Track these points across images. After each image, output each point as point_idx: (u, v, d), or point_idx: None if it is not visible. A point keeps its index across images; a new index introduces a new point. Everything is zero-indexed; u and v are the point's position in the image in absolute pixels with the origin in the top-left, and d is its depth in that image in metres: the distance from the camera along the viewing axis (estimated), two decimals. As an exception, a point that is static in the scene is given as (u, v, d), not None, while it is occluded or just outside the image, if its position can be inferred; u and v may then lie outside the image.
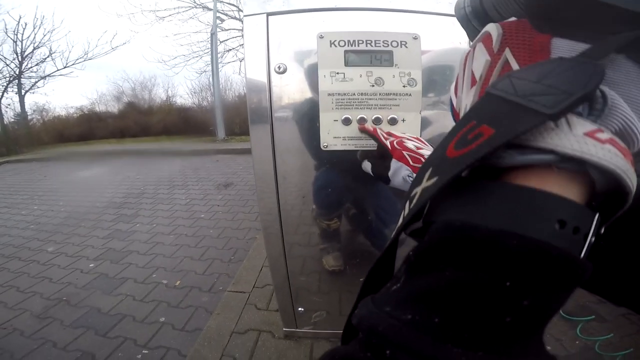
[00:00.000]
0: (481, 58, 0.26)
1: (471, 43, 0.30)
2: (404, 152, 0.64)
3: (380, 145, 0.72)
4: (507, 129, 0.17)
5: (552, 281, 0.16)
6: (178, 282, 1.97)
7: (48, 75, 13.20)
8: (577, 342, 1.28)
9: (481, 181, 0.19)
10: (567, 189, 0.18)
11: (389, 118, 0.86)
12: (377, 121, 0.86)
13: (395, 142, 0.68)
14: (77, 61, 13.25)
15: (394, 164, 0.66)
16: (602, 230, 0.19)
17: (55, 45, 14.26)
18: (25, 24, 12.19)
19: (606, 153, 0.17)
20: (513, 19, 0.26)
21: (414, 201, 0.21)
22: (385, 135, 0.73)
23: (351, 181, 0.97)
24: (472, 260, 0.17)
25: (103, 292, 1.92)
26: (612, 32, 0.20)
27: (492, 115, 0.19)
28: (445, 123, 0.90)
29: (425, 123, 0.89)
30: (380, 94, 0.85)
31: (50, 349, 1.46)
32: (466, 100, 0.28)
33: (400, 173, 0.64)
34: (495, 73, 0.25)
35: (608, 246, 0.23)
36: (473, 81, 0.27)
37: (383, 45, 0.83)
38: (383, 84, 0.84)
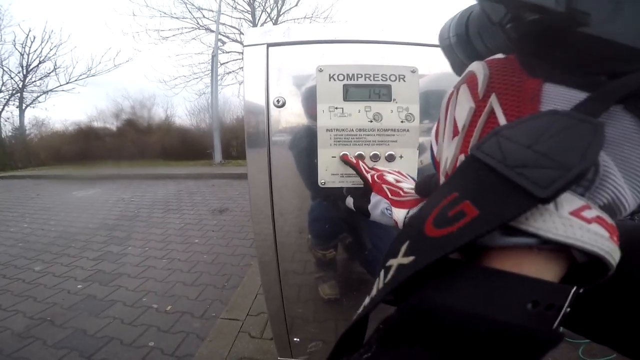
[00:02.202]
0: (465, 104, 0.24)
1: (454, 79, 0.28)
2: (383, 185, 0.65)
3: (363, 179, 0.73)
4: (493, 214, 0.16)
5: (518, 357, 0.16)
6: (169, 306, 1.92)
7: (50, 90, 13.28)
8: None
9: (455, 262, 0.19)
10: (544, 269, 0.17)
11: (386, 155, 0.85)
12: (375, 158, 0.86)
13: (375, 176, 0.68)
14: (80, 77, 13.40)
15: (373, 197, 0.66)
16: (581, 290, 0.18)
17: (60, 60, 14.56)
18: (34, 37, 12.44)
19: (592, 236, 0.16)
20: (500, 56, 0.24)
21: (389, 276, 0.20)
22: (367, 168, 0.74)
23: (348, 212, 0.95)
24: (439, 341, 0.17)
25: (90, 313, 1.86)
26: (614, 73, 0.18)
27: (477, 189, 0.18)
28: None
29: (419, 150, 0.88)
30: (378, 130, 0.84)
31: (31, 370, 1.40)
32: (447, 151, 0.26)
33: (379, 206, 0.64)
34: (480, 124, 0.23)
35: (591, 294, 0.22)
36: (455, 131, 0.25)
37: (382, 79, 0.84)
38: (381, 120, 0.84)
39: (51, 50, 13.00)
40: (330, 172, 0.87)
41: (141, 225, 3.71)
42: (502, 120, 0.21)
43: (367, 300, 0.22)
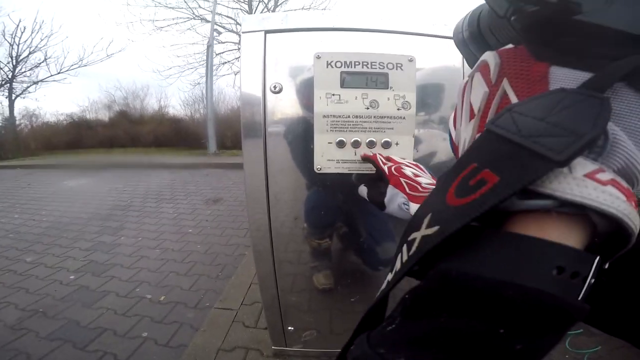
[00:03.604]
0: (479, 89, 0.26)
1: (469, 70, 0.30)
2: (401, 178, 0.63)
3: (378, 169, 0.72)
4: (514, 178, 0.17)
5: (546, 326, 0.16)
6: (163, 297, 1.92)
7: (41, 81, 13.00)
8: (566, 355, 1.31)
9: (479, 229, 0.19)
10: (567, 235, 0.18)
11: (382, 141, 0.85)
12: (371, 144, 0.86)
13: (393, 168, 0.67)
14: (72, 67, 13.14)
15: (390, 190, 0.65)
16: (606, 266, 0.19)
17: (51, 51, 14.20)
18: (24, 28, 12.12)
19: (607, 197, 0.16)
20: (510, 46, 0.26)
21: (413, 248, 0.20)
22: (384, 160, 0.73)
23: (343, 201, 0.96)
24: (467, 309, 0.17)
25: (83, 304, 1.85)
26: (613, 57, 0.19)
27: (495, 158, 0.19)
28: (433, 143, 0.90)
29: (415, 142, 0.89)
30: (374, 117, 0.85)
31: (23, 361, 1.39)
32: (465, 134, 0.27)
33: (395, 200, 0.63)
34: (494, 106, 0.24)
35: (609, 282, 0.23)
36: (471, 114, 0.26)
37: (379, 67, 0.84)
38: (378, 107, 0.85)
39: (42, 40, 12.69)
40: (326, 157, 0.88)
41: (134, 215, 3.67)
42: (514, 100, 0.23)
43: (389, 276, 0.23)
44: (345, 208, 0.99)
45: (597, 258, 0.17)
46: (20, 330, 1.61)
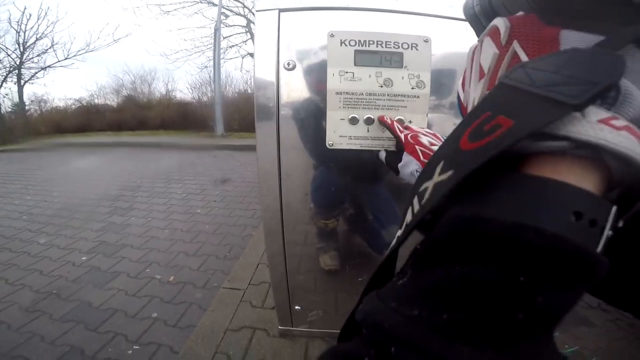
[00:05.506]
0: (489, 51, 0.25)
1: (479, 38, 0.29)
2: (416, 146, 0.65)
3: (396, 137, 0.73)
4: (529, 121, 0.16)
5: (567, 277, 0.15)
6: (172, 277, 1.94)
7: (48, 66, 13.03)
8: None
9: (493, 171, 0.18)
10: (583, 179, 0.17)
11: (396, 119, 0.85)
12: None
13: (409, 136, 0.69)
14: (79, 52, 13.13)
15: (405, 157, 0.67)
16: (620, 224, 0.18)
17: (57, 37, 14.08)
18: (30, 15, 12.25)
19: (622, 139, 0.16)
20: (521, 13, 0.25)
21: (426, 196, 0.19)
22: (401, 128, 0.74)
23: (350, 181, 0.96)
24: (483, 255, 0.16)
25: (94, 286, 1.89)
26: (624, 23, 0.19)
27: (509, 105, 0.18)
28: (445, 127, 0.90)
29: (428, 124, 0.89)
30: (388, 95, 0.84)
31: (38, 343, 1.43)
32: (474, 93, 0.27)
33: (409, 167, 0.66)
34: (504, 65, 0.24)
35: (616, 251, 0.21)
36: (481, 74, 0.26)
37: (394, 47, 0.83)
38: (392, 85, 0.84)
39: (48, 27, 12.70)
40: (338, 134, 0.88)
41: (144, 196, 3.72)
42: (524, 59, 0.22)
43: (399, 232, 0.22)
44: (351, 187, 0.98)
45: (615, 207, 0.17)
46: (34, 312, 1.65)
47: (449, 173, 0.18)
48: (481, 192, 0.18)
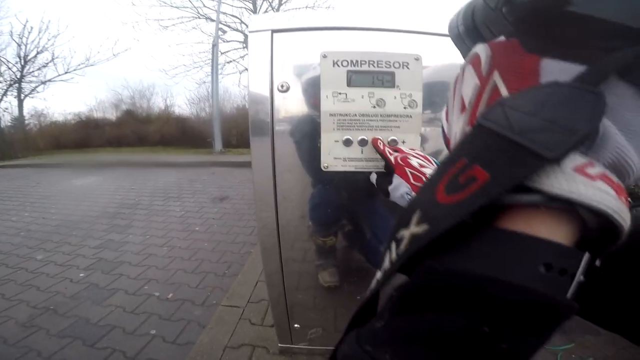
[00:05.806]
0: (470, 82, 0.25)
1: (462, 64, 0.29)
2: (406, 168, 0.65)
3: (385, 160, 0.74)
4: (504, 176, 0.16)
5: (532, 325, 0.16)
6: (170, 294, 1.94)
7: (49, 80, 13.12)
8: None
9: (467, 225, 0.18)
10: (555, 230, 0.17)
11: (389, 140, 0.86)
12: None
13: (399, 158, 0.69)
14: (79, 67, 13.23)
15: (396, 179, 0.67)
16: (598, 262, 0.19)
17: (58, 51, 14.39)
18: (31, 28, 12.26)
19: (596, 192, 0.16)
20: (502, 38, 0.25)
21: (402, 247, 0.20)
22: (390, 151, 0.74)
23: (348, 199, 0.96)
24: (452, 305, 0.17)
25: (92, 302, 1.88)
26: (605, 49, 0.18)
27: (485, 154, 0.18)
28: (439, 141, 0.90)
29: (421, 140, 0.90)
30: (381, 116, 0.85)
31: (34, 358, 1.42)
32: (456, 127, 0.27)
33: (399, 189, 0.66)
34: (484, 99, 0.23)
35: (606, 275, 0.23)
36: (462, 107, 0.26)
37: (385, 66, 0.84)
38: (384, 105, 0.85)
39: (49, 40, 12.84)
40: (332, 155, 0.88)
41: (142, 213, 3.72)
42: (504, 93, 0.22)
43: (378, 274, 0.22)
44: (349, 205, 0.99)
45: (586, 254, 0.17)
46: (31, 327, 1.64)
47: (424, 227, 0.19)
48: (455, 244, 0.18)
